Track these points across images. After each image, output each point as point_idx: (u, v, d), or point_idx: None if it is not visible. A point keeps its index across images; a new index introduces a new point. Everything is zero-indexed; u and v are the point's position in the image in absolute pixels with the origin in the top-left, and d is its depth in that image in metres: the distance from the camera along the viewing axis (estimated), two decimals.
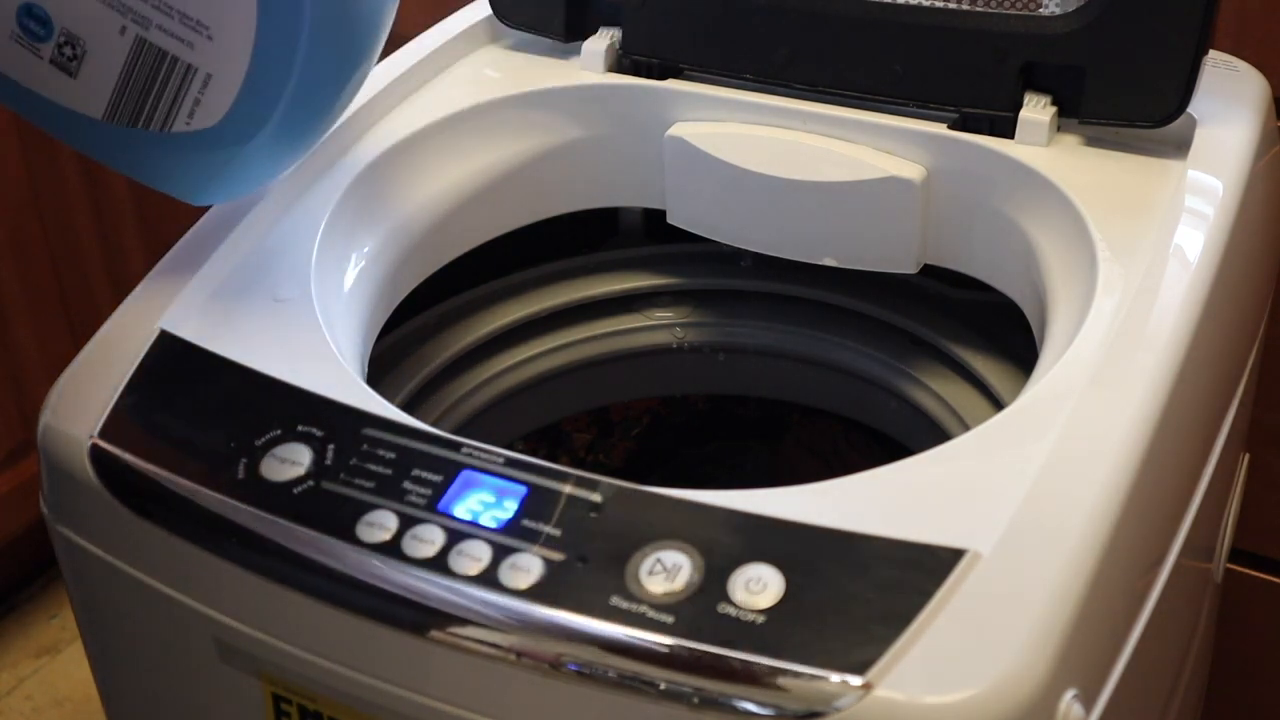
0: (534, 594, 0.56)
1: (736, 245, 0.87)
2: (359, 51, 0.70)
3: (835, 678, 0.52)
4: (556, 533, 0.57)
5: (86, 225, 1.38)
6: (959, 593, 0.53)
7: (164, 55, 0.65)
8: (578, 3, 0.89)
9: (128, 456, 0.64)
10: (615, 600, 0.55)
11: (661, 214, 0.89)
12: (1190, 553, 0.69)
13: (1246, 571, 1.09)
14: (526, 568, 0.56)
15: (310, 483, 0.61)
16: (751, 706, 0.52)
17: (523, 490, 0.59)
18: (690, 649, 0.53)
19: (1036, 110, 0.77)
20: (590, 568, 0.56)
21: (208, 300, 0.71)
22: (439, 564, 0.57)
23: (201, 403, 0.66)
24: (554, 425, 1.00)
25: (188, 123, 0.67)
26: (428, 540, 0.58)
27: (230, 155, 0.68)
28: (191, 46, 0.65)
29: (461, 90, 0.87)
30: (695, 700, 0.53)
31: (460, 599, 0.56)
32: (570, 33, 0.89)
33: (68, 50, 0.65)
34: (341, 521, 0.59)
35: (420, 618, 0.57)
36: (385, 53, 0.88)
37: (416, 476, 0.60)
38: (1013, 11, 0.78)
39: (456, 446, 0.62)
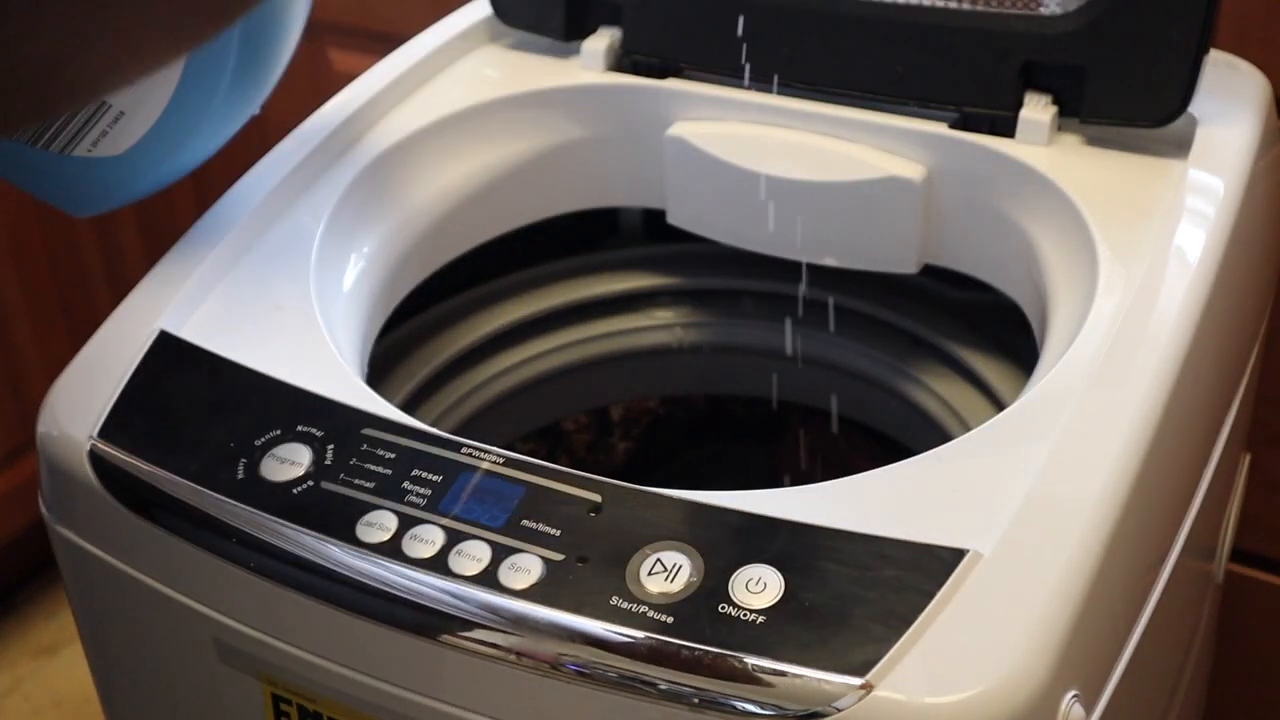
0: (534, 594, 0.56)
1: (736, 245, 0.87)
2: (266, 86, 0.72)
3: (835, 678, 0.51)
4: (556, 533, 0.57)
5: (86, 225, 1.38)
6: (959, 593, 0.53)
7: None
8: (578, 2, 0.88)
9: (127, 457, 0.64)
10: (615, 600, 0.55)
11: (661, 214, 0.89)
12: (1191, 553, 0.69)
13: (1247, 572, 1.09)
14: (526, 568, 0.56)
15: (310, 483, 0.61)
16: (751, 707, 0.52)
17: (522, 490, 0.59)
18: (690, 649, 0.53)
19: (1037, 110, 0.77)
20: (590, 568, 0.56)
21: (207, 300, 0.71)
22: (438, 564, 0.57)
23: (201, 403, 0.66)
24: (554, 425, 0.99)
25: (90, 149, 0.66)
26: (427, 540, 0.58)
27: (124, 180, 0.69)
28: None
29: (461, 90, 0.86)
30: (695, 700, 0.53)
31: (460, 599, 0.56)
32: (570, 32, 0.89)
33: None
34: (341, 522, 0.59)
35: (420, 618, 0.57)
36: (387, 50, 0.88)
37: (416, 476, 0.60)
38: (1013, 11, 0.78)
39: (456, 446, 0.62)
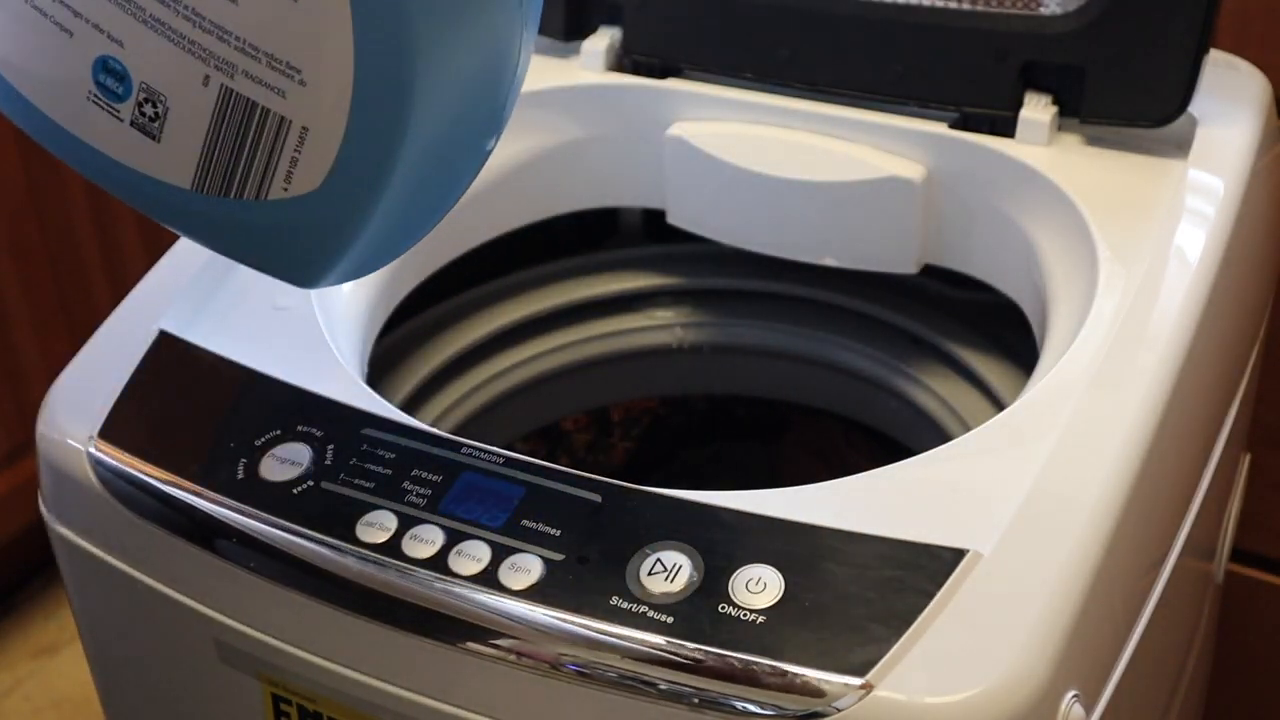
0: (533, 594, 0.56)
1: (736, 245, 0.87)
2: (496, 90, 0.56)
3: (835, 678, 0.51)
4: (556, 533, 0.57)
5: (86, 226, 1.38)
6: (959, 593, 0.53)
7: (254, 107, 0.54)
8: (578, 2, 0.88)
9: (127, 457, 0.64)
10: (615, 600, 0.55)
11: (661, 214, 0.89)
12: (1191, 553, 0.69)
13: (1247, 572, 1.09)
14: (526, 568, 0.56)
15: (310, 483, 0.61)
16: (751, 706, 0.52)
17: (522, 490, 0.59)
18: (690, 649, 0.53)
19: (1037, 110, 0.77)
20: (590, 568, 0.56)
21: (207, 301, 0.71)
22: (438, 564, 0.57)
23: (201, 403, 0.66)
24: (554, 425, 0.99)
25: (285, 188, 0.55)
26: (427, 540, 0.58)
27: (341, 226, 0.56)
28: (284, 95, 0.54)
29: None
30: (695, 700, 0.53)
31: (460, 600, 0.56)
32: (570, 32, 0.89)
33: (148, 109, 0.56)
34: (341, 522, 0.59)
35: (420, 618, 0.57)
36: None
37: (416, 476, 0.60)
38: (1013, 11, 0.78)
39: (456, 446, 0.62)
